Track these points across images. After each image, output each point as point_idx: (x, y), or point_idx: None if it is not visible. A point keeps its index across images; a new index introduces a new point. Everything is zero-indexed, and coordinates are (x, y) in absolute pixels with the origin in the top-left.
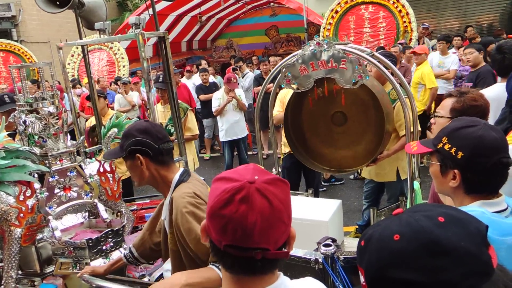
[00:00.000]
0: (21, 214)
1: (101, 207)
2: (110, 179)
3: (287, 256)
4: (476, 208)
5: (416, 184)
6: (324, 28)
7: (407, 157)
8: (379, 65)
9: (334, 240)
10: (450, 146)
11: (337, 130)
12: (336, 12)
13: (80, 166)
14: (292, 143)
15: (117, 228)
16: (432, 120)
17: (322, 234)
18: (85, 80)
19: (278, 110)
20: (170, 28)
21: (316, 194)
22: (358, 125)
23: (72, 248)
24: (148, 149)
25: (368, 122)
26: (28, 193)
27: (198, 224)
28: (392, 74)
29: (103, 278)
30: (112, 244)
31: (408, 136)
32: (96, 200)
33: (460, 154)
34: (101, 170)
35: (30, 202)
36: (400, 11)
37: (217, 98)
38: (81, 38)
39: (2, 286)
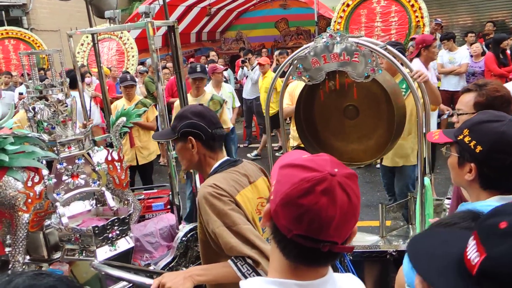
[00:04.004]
0: (29, 200)
1: (108, 195)
2: (118, 167)
3: (351, 251)
4: (493, 203)
5: (427, 180)
6: (334, 22)
7: (418, 152)
8: (392, 59)
9: (336, 256)
10: (470, 139)
11: (349, 123)
12: (348, 5)
13: (88, 154)
14: (304, 136)
15: (123, 216)
16: (454, 118)
17: None
18: (94, 69)
19: (287, 103)
20: (179, 19)
21: None
22: (369, 119)
23: (78, 235)
24: (201, 133)
25: (380, 117)
26: (36, 179)
27: (215, 217)
28: (402, 64)
29: (111, 266)
30: (118, 232)
31: (420, 127)
32: (103, 188)
33: (478, 148)
34: (109, 158)
35: (38, 188)
36: (412, 6)
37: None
38: (91, 27)
39: (10, 270)
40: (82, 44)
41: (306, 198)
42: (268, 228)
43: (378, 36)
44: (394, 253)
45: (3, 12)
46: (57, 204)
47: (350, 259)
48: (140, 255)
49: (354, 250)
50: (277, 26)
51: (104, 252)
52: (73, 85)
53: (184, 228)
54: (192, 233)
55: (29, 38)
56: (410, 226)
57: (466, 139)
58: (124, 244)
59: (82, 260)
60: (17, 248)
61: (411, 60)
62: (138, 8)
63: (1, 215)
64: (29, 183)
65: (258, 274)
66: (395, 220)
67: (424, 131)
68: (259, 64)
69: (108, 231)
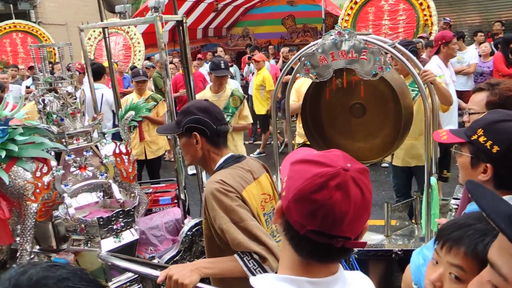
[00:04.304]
0: (37, 190)
1: (115, 188)
2: (126, 161)
3: (364, 246)
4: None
5: (433, 180)
6: (342, 19)
7: (425, 151)
8: (400, 57)
9: (349, 251)
10: (485, 139)
11: (355, 122)
12: (355, 3)
13: (97, 146)
14: (309, 133)
15: (128, 208)
16: (465, 118)
17: None
18: (105, 63)
19: (293, 100)
20: (186, 14)
21: None
22: (376, 117)
23: (84, 226)
24: (206, 129)
25: (387, 115)
26: (45, 169)
27: (222, 213)
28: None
29: (118, 258)
30: (122, 224)
31: (427, 127)
32: (110, 181)
33: (495, 148)
34: (117, 151)
35: (46, 179)
36: (421, 4)
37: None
38: (102, 20)
39: (18, 259)
40: (89, 39)
41: (319, 193)
42: (280, 225)
43: (386, 34)
44: (399, 252)
45: (11, 6)
46: (65, 195)
47: (355, 257)
48: (145, 248)
49: (359, 249)
50: (284, 23)
51: (108, 243)
52: (97, 77)
53: (190, 222)
54: (197, 227)
55: (37, 31)
56: (416, 225)
57: (481, 139)
58: (128, 236)
59: (86, 251)
60: (25, 237)
61: (430, 58)
62: (148, 2)
63: (11, 205)
64: (38, 174)
65: (264, 270)
66: (400, 220)
67: (431, 130)
68: (254, 60)
69: (112, 223)
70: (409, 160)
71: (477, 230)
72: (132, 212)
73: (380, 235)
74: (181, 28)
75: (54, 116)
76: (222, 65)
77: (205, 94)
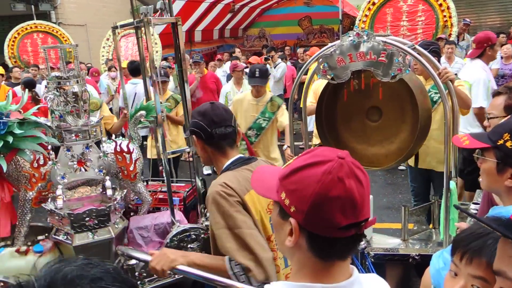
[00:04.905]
0: (33, 180)
1: (108, 185)
2: (127, 159)
3: (375, 222)
4: None
5: (453, 184)
6: (359, 20)
7: (445, 154)
8: (420, 59)
9: (364, 236)
10: None
11: (371, 126)
12: (373, 4)
13: (98, 143)
14: (323, 136)
15: (101, 207)
16: (485, 123)
17: None
18: (124, 63)
19: (311, 101)
20: (203, 16)
21: None
22: (393, 122)
23: (60, 218)
24: (201, 132)
25: (404, 120)
26: (41, 161)
27: (219, 217)
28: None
29: (136, 250)
30: (96, 221)
31: (447, 131)
32: (107, 177)
33: None
34: (118, 149)
35: (43, 170)
36: (440, 5)
37: (224, 94)
38: (134, 19)
39: (14, 239)
40: (107, 39)
41: (336, 188)
42: (296, 247)
43: (404, 35)
44: (417, 257)
45: (32, 7)
46: (59, 186)
47: (371, 261)
48: (131, 247)
49: (375, 253)
50: (300, 24)
51: (82, 238)
52: (137, 73)
53: (179, 227)
54: (186, 234)
55: (57, 32)
56: (433, 230)
57: (508, 144)
58: (104, 234)
59: (63, 242)
60: (21, 220)
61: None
62: (157, 4)
63: (12, 190)
64: (35, 165)
65: (248, 278)
66: (417, 224)
67: (451, 133)
68: (249, 63)
69: (85, 220)
70: (434, 164)
71: (496, 239)
72: (107, 212)
73: (397, 239)
74: (176, 30)
75: (56, 112)
76: (257, 74)
77: (246, 97)
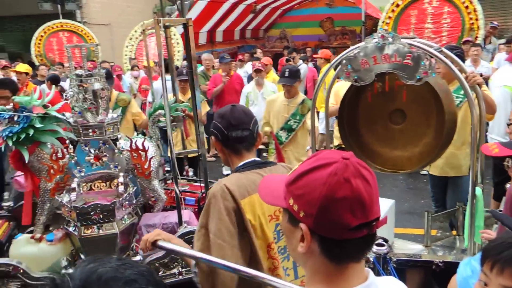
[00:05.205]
0: (52, 171)
1: (121, 181)
2: (142, 157)
3: (386, 222)
4: None
5: (479, 191)
6: (383, 22)
7: (471, 161)
8: (448, 62)
9: (386, 240)
10: None
11: (394, 129)
12: (397, 5)
13: (116, 139)
14: (345, 138)
15: (106, 203)
16: (507, 130)
17: None
18: (145, 62)
19: (332, 103)
20: (224, 16)
21: None
22: (417, 126)
23: (70, 210)
24: (218, 133)
25: (428, 123)
26: (60, 154)
27: (204, 217)
28: (460, 71)
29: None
30: (101, 216)
31: (474, 136)
32: (121, 173)
33: None
34: (133, 147)
35: (61, 163)
36: (467, 7)
37: (245, 94)
38: (163, 17)
39: (33, 227)
40: (130, 39)
41: (343, 189)
42: (309, 252)
43: (429, 38)
44: (440, 264)
45: (59, 6)
46: (75, 179)
47: (394, 266)
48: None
49: (398, 258)
50: (322, 25)
51: (87, 231)
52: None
53: (185, 228)
54: (192, 235)
55: (82, 31)
56: (457, 237)
57: None
58: (109, 229)
59: (71, 233)
60: (41, 209)
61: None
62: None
63: (37, 181)
64: (54, 157)
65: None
66: (441, 230)
67: (477, 140)
68: (264, 64)
69: (90, 214)
70: (447, 169)
71: None
72: (111, 208)
73: (419, 245)
74: (187, 31)
75: (76, 108)
76: (286, 74)
77: (279, 98)
